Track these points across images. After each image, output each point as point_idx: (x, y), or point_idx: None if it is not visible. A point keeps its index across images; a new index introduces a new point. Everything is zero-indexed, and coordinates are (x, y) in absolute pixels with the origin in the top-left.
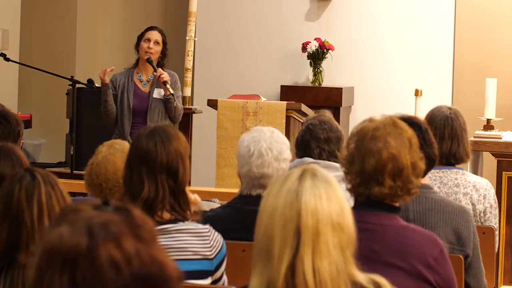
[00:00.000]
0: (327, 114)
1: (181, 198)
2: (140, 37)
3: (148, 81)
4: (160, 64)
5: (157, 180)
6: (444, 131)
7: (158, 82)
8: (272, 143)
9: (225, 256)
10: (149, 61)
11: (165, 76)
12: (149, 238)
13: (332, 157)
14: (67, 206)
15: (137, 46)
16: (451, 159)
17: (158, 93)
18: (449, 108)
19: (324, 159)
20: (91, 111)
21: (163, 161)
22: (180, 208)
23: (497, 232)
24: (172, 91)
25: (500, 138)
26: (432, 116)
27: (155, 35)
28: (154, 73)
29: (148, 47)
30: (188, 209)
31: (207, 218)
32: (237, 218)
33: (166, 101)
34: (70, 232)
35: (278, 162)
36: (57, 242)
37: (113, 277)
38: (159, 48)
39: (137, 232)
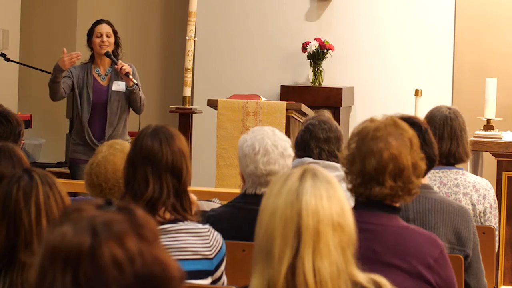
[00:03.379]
0: (327, 114)
1: (184, 198)
2: (90, 34)
3: (106, 75)
4: (115, 54)
5: (162, 179)
6: (444, 131)
7: (120, 75)
8: (276, 140)
9: (225, 255)
10: (107, 55)
11: (126, 67)
12: (152, 238)
13: (331, 157)
14: (69, 205)
15: (90, 43)
16: (450, 159)
17: (117, 85)
18: (449, 108)
19: (324, 159)
20: None
21: (168, 161)
22: (181, 208)
23: (497, 232)
24: (135, 81)
25: (500, 138)
26: (432, 116)
27: (105, 28)
28: (115, 66)
29: (102, 41)
30: (190, 209)
31: (209, 217)
32: (239, 217)
33: (130, 92)
34: (73, 231)
35: (283, 159)
36: (60, 241)
37: (115, 276)
38: (112, 40)
39: (140, 231)
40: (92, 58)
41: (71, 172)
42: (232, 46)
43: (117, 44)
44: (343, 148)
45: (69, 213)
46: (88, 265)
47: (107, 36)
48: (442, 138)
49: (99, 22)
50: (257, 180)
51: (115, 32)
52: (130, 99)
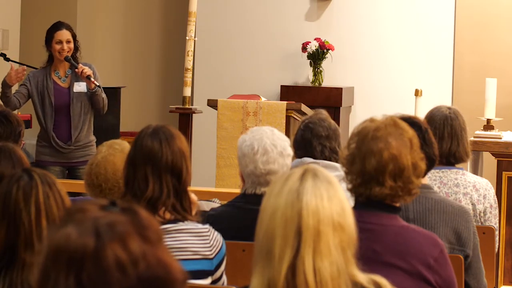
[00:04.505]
0: (324, 112)
1: (183, 198)
2: (50, 38)
3: (66, 77)
4: (75, 58)
5: (162, 179)
6: (444, 131)
7: (80, 77)
8: (275, 139)
9: (225, 255)
10: (67, 60)
11: (87, 70)
12: (155, 239)
13: (333, 153)
14: (73, 206)
15: (48, 46)
16: (450, 159)
17: (78, 87)
18: (449, 108)
19: (326, 156)
20: None
21: (168, 161)
22: (181, 208)
23: (497, 232)
24: (97, 83)
25: (500, 138)
26: (432, 116)
27: (65, 35)
28: (76, 70)
29: (62, 49)
30: (190, 209)
31: (209, 217)
32: (239, 217)
33: (92, 94)
34: (77, 232)
35: (283, 158)
36: (64, 242)
37: (119, 278)
38: (72, 45)
39: (144, 233)
40: (51, 61)
41: None
42: (232, 46)
43: (76, 48)
44: (343, 148)
45: (73, 214)
46: (92, 266)
47: (67, 42)
48: (442, 138)
49: (58, 27)
50: (257, 179)
51: (74, 36)
52: (92, 101)
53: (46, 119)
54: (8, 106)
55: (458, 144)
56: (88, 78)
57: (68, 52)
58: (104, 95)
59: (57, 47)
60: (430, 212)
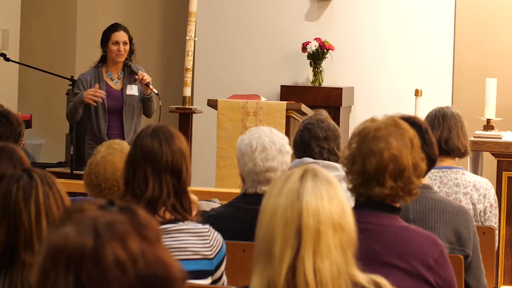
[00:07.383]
0: (324, 113)
1: (183, 198)
2: (106, 38)
3: (119, 79)
4: (129, 60)
5: (162, 179)
6: (435, 120)
7: (139, 83)
8: (273, 137)
9: (225, 255)
10: (127, 66)
11: (147, 77)
12: (154, 238)
13: (332, 155)
14: (71, 206)
15: (104, 46)
16: (442, 145)
17: (130, 89)
18: (447, 107)
19: (325, 158)
20: None
21: (168, 161)
22: (181, 208)
23: (497, 232)
24: (156, 91)
25: (500, 138)
26: (429, 113)
27: (122, 36)
28: (136, 76)
29: (119, 50)
30: (190, 209)
31: (209, 217)
32: (239, 217)
33: (147, 99)
34: (75, 232)
35: (282, 155)
36: (63, 241)
37: (118, 277)
38: (128, 47)
39: (142, 232)
40: (103, 62)
41: None
42: (232, 46)
43: (131, 51)
44: (343, 148)
45: (71, 214)
46: (91, 266)
47: (124, 44)
48: (433, 127)
49: (115, 28)
50: (257, 177)
51: (130, 39)
52: (145, 106)
53: (99, 122)
54: (74, 120)
55: (450, 131)
56: (147, 85)
57: (123, 55)
58: (155, 101)
59: (114, 48)
60: (430, 212)
